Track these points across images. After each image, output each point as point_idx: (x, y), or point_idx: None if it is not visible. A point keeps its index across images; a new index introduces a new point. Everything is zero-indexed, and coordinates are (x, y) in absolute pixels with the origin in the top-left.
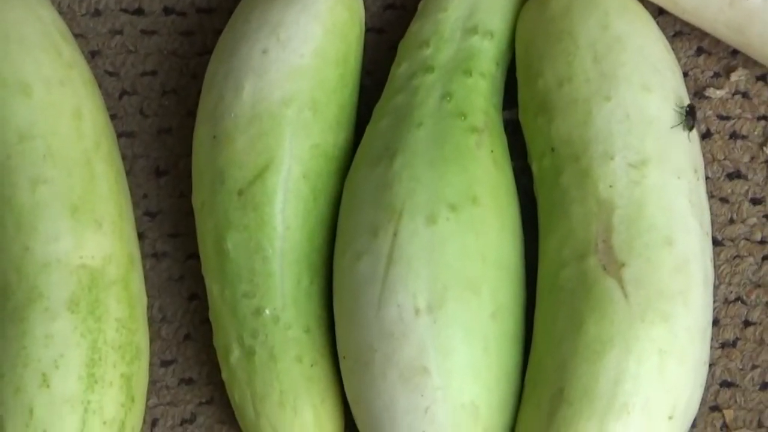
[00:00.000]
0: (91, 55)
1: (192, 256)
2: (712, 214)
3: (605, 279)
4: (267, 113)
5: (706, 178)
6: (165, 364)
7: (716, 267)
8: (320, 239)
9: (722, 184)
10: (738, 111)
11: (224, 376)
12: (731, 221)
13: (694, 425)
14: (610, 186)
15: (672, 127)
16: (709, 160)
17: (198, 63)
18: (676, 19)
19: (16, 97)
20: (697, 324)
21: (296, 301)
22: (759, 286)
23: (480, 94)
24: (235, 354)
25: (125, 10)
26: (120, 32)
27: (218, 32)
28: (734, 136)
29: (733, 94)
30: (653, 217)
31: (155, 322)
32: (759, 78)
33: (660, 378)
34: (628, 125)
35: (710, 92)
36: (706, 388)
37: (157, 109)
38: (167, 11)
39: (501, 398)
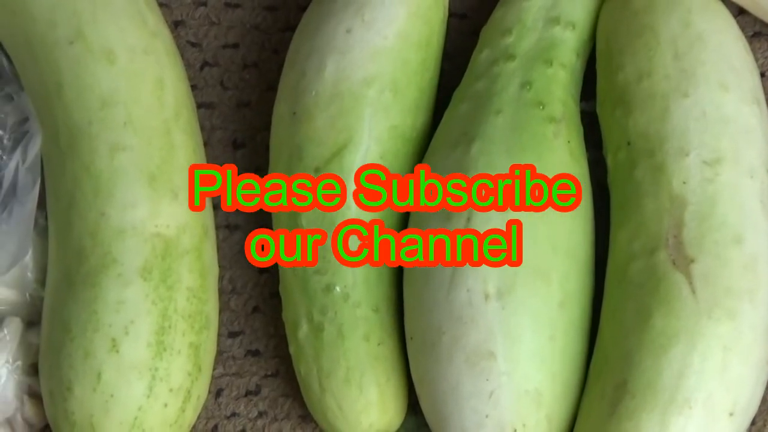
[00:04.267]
0: (175, 25)
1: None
2: None
3: (674, 274)
4: (348, 92)
5: None
6: (232, 335)
7: None
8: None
9: None
10: None
11: (291, 350)
12: None
13: (753, 422)
14: (684, 182)
15: None
16: None
17: (280, 39)
18: (755, 19)
19: (100, 64)
20: (762, 323)
21: (367, 280)
22: None
23: (559, 84)
24: (304, 329)
25: None
26: (204, 4)
27: (302, 9)
28: None
29: None
30: (724, 215)
31: (225, 293)
32: None
33: (723, 375)
34: (704, 123)
35: None
36: None
37: (238, 82)
38: None
39: (564, 386)
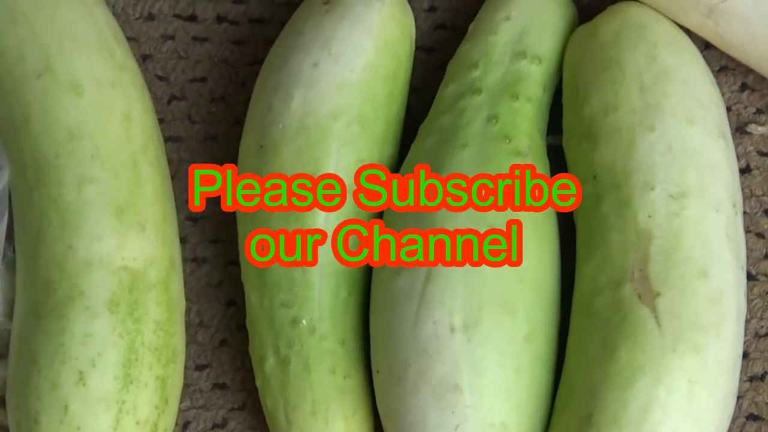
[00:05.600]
0: (143, 59)
1: (232, 262)
2: (747, 248)
3: (640, 308)
4: (315, 125)
5: (744, 212)
6: (199, 368)
7: (748, 301)
8: None
9: (759, 219)
10: None
11: (258, 383)
12: (766, 256)
13: None
14: (650, 216)
15: None
16: (748, 195)
17: (248, 72)
18: (721, 53)
19: (68, 97)
20: (728, 356)
21: (333, 313)
22: None
23: (525, 118)
24: (270, 362)
25: (179, 16)
26: (172, 38)
27: (269, 43)
28: None
29: None
30: (690, 249)
31: (192, 327)
32: None
33: (688, 408)
34: (670, 157)
35: (752, 128)
36: (733, 421)
37: (205, 115)
38: (220, 19)
39: (530, 420)
